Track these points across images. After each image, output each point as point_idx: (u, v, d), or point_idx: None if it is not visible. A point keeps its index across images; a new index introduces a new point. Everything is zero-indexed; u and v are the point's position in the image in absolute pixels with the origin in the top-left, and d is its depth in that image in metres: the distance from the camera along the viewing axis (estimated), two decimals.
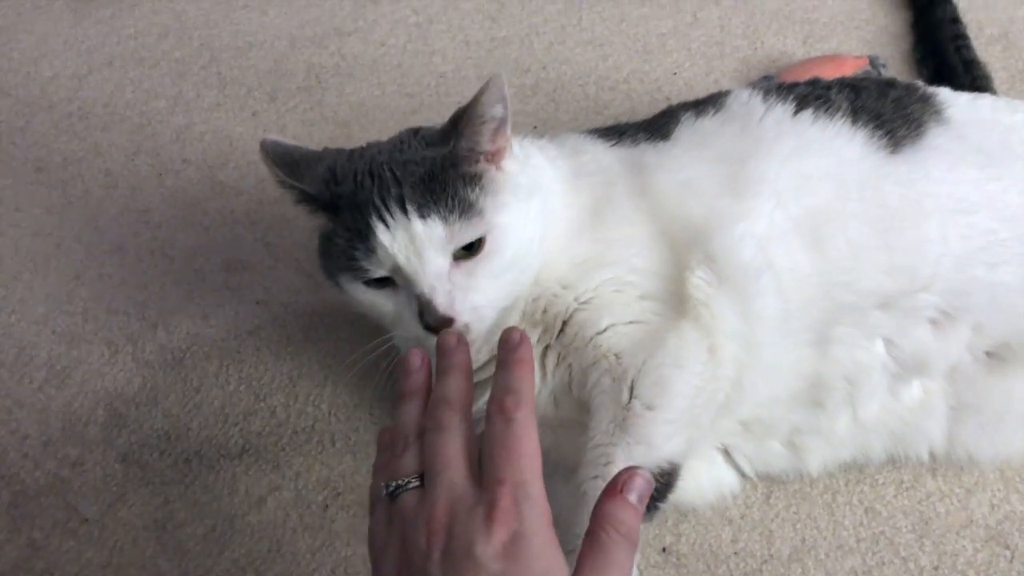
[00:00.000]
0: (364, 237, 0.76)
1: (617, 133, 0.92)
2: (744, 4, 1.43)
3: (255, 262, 1.17)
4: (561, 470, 0.79)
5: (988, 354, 0.84)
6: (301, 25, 1.48)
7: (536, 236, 0.80)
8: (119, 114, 1.37)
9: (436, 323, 0.74)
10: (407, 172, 0.77)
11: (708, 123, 0.89)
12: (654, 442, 0.76)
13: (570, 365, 0.83)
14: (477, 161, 0.79)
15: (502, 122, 0.79)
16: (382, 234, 0.75)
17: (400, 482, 0.61)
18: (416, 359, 0.69)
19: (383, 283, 0.79)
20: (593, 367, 0.81)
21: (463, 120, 0.77)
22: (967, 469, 0.90)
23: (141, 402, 1.04)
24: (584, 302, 0.82)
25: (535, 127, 1.25)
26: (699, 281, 0.80)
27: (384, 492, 0.62)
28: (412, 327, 0.77)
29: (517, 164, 0.82)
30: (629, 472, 0.61)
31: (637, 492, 0.60)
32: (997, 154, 0.85)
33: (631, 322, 0.81)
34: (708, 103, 0.92)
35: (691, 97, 0.97)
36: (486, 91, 0.76)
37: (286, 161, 0.81)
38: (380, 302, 0.80)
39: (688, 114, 0.91)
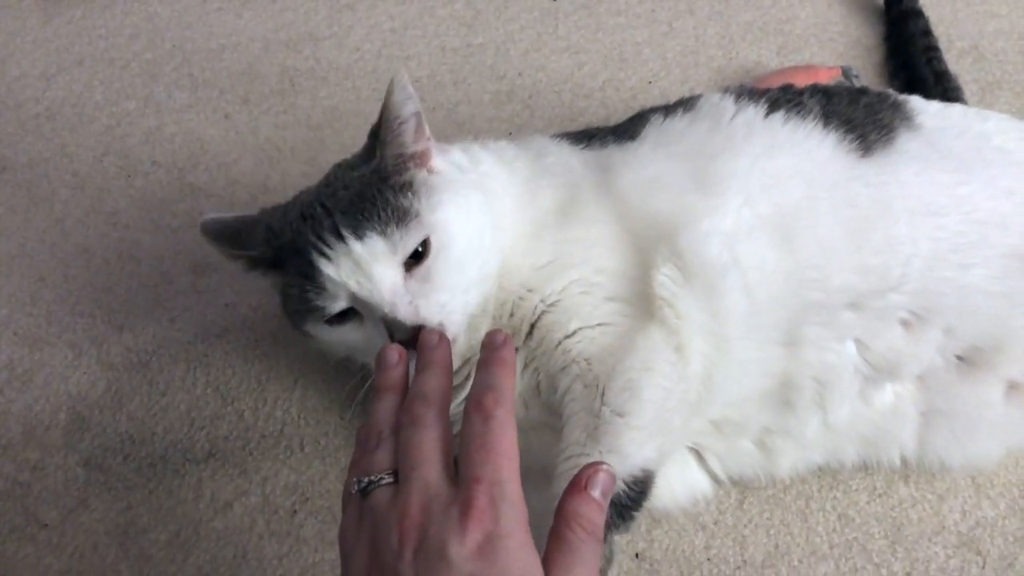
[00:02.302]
0: (311, 277, 0.77)
1: (587, 136, 0.92)
2: (719, 15, 1.44)
3: (224, 265, 1.13)
4: (531, 474, 0.78)
5: (959, 358, 0.84)
6: (275, 29, 1.46)
7: (485, 227, 0.80)
8: (88, 115, 1.35)
9: (407, 336, 0.74)
10: (336, 200, 0.78)
11: (677, 122, 0.90)
12: (626, 450, 0.75)
13: (537, 369, 0.83)
14: (406, 168, 0.80)
15: (419, 119, 0.80)
16: (325, 267, 0.76)
17: (372, 478, 0.60)
18: (394, 355, 0.68)
19: (345, 317, 0.79)
20: (563, 372, 0.80)
21: (382, 128, 0.78)
22: (939, 475, 0.91)
23: (105, 405, 1.02)
24: (551, 304, 0.81)
25: (510, 133, 1.24)
26: (664, 279, 0.79)
27: (356, 488, 0.60)
28: None
29: (447, 163, 0.82)
30: (592, 467, 0.60)
31: (600, 487, 0.59)
32: (967, 160, 0.85)
33: (599, 324, 0.80)
34: (678, 105, 0.92)
35: None
36: (393, 92, 0.77)
37: (226, 235, 0.85)
38: (348, 336, 0.80)
39: (657, 115, 0.91)
